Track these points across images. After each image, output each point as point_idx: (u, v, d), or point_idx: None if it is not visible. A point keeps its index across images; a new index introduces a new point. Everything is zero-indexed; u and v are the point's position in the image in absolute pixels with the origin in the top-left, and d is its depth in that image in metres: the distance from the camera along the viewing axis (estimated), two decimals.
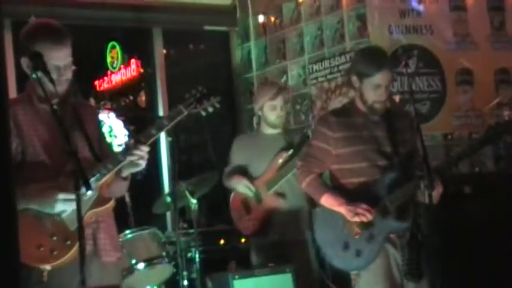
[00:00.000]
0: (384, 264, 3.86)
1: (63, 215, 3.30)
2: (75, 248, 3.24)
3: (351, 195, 3.94)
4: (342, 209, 3.93)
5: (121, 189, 3.57)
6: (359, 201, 3.89)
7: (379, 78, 3.94)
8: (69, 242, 3.28)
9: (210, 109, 3.62)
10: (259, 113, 5.29)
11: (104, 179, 3.34)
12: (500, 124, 3.78)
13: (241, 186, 5.23)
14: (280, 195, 5.13)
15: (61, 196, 3.25)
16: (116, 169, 3.36)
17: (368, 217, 3.86)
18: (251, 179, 5.22)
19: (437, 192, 3.75)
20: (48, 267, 3.24)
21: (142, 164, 3.41)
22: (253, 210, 5.22)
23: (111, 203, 3.44)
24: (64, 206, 3.27)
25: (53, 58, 3.30)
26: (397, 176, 3.89)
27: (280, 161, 5.12)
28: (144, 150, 3.38)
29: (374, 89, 3.95)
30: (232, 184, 5.28)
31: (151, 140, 3.44)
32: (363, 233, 3.88)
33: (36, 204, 3.27)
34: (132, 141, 3.42)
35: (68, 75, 3.38)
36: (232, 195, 5.35)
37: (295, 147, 5.10)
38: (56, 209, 3.29)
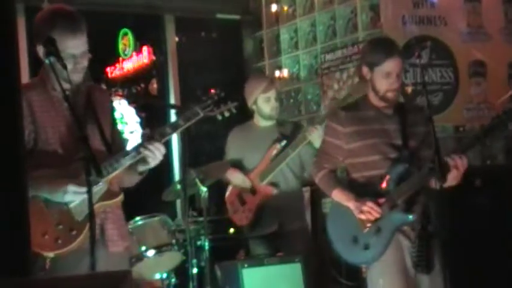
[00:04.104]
0: (396, 256, 3.84)
1: (71, 205, 3.30)
2: (80, 239, 3.26)
3: (360, 190, 3.93)
4: (350, 204, 3.94)
5: (131, 181, 3.56)
6: (368, 195, 3.88)
7: (389, 65, 3.93)
8: (74, 232, 3.28)
9: (227, 114, 3.60)
10: (254, 106, 5.30)
11: (114, 173, 3.34)
12: (505, 112, 3.74)
13: (236, 180, 5.26)
14: (273, 184, 5.16)
15: (71, 188, 3.25)
16: (127, 164, 3.36)
17: (374, 215, 3.85)
18: (245, 171, 5.25)
19: (458, 172, 3.73)
20: (51, 254, 3.24)
21: (156, 160, 3.40)
22: (247, 202, 5.25)
23: (120, 197, 3.45)
24: (74, 197, 3.28)
25: (69, 46, 3.27)
26: (406, 169, 3.88)
27: (274, 152, 5.15)
28: (157, 148, 3.38)
29: (385, 78, 3.94)
30: (227, 177, 5.32)
31: (166, 139, 3.44)
32: (371, 227, 3.87)
33: (46, 193, 3.27)
34: (146, 137, 3.42)
35: (84, 63, 3.36)
36: (228, 188, 5.38)
37: (288, 137, 5.13)
38: (66, 199, 3.29)
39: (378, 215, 3.84)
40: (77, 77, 3.34)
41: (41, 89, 3.40)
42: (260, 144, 5.22)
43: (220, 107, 3.57)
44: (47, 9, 3.42)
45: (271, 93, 5.24)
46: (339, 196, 4.02)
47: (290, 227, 5.13)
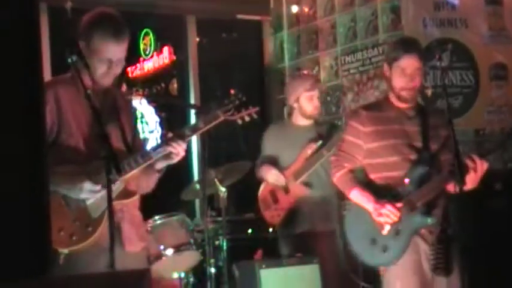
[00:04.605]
0: (414, 259, 3.83)
1: (88, 202, 3.33)
2: (95, 236, 3.28)
3: (379, 191, 3.92)
4: (369, 206, 3.91)
5: (149, 182, 3.57)
6: (387, 196, 3.87)
7: (405, 61, 3.90)
8: (90, 229, 3.30)
9: (247, 118, 3.60)
10: (295, 104, 5.28)
11: (131, 172, 3.36)
12: None
13: (270, 176, 5.23)
14: (307, 184, 5.14)
15: (87, 186, 3.28)
16: (144, 164, 3.38)
17: (392, 218, 3.83)
18: (279, 169, 5.23)
19: (475, 175, 3.72)
20: (65, 251, 3.26)
21: (179, 156, 3.42)
22: (280, 200, 5.24)
23: (136, 196, 3.47)
24: (89, 194, 3.30)
25: (108, 51, 3.33)
26: (426, 170, 3.87)
27: (310, 151, 5.13)
28: (180, 145, 3.39)
29: (401, 74, 3.92)
30: (262, 174, 5.30)
31: (186, 140, 3.46)
32: (390, 229, 3.86)
33: (64, 189, 3.30)
34: (169, 136, 3.44)
35: (118, 70, 3.40)
36: (262, 185, 5.37)
37: (324, 137, 5.11)
38: (82, 196, 3.32)
39: (396, 219, 3.83)
40: (107, 81, 3.40)
41: (70, 84, 3.43)
42: (297, 143, 5.20)
43: (241, 111, 3.57)
44: (95, 11, 3.45)
45: (315, 92, 5.24)
46: (357, 197, 3.98)
47: (321, 228, 5.11)
